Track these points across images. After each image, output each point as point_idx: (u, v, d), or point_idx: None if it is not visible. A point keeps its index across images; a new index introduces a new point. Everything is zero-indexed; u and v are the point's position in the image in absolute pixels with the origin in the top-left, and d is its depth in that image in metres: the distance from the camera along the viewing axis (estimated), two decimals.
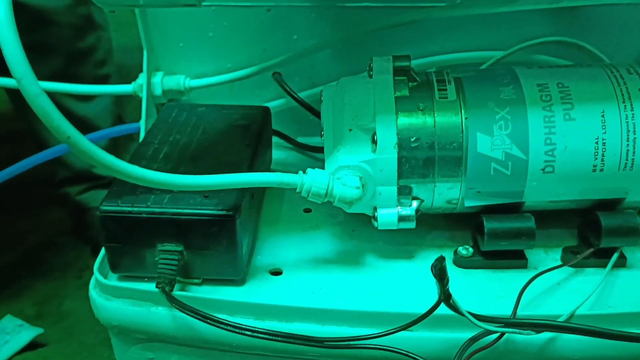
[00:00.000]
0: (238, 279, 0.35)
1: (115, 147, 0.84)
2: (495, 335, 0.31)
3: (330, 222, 0.41)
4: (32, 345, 0.72)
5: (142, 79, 0.46)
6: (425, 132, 0.35)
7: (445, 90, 0.36)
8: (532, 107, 0.35)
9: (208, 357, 0.35)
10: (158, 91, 0.47)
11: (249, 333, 0.32)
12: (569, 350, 0.32)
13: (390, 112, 0.35)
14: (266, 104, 0.49)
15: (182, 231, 0.34)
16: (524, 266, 0.37)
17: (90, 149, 0.27)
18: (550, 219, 0.39)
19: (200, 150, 0.39)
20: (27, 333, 0.72)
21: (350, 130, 0.36)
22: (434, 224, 0.41)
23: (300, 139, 0.50)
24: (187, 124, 0.42)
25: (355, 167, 0.35)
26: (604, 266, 0.36)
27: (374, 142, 0.35)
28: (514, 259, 0.37)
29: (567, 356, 0.33)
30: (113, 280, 0.35)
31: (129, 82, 0.47)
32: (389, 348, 0.31)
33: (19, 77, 0.25)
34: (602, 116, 0.34)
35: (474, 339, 0.30)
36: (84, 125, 0.62)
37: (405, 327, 0.30)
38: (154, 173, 0.30)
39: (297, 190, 0.34)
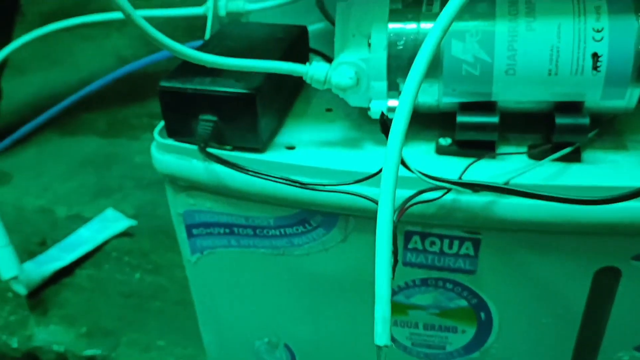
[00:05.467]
0: (259, 148, 0.46)
1: None
2: (441, 192, 0.40)
3: (345, 119, 0.51)
4: (127, 233, 0.88)
5: (210, 2, 0.58)
6: (410, 37, 0.43)
7: (432, 5, 0.44)
8: (500, 19, 0.42)
9: (231, 205, 0.47)
10: (222, 12, 0.58)
11: (259, 175, 0.42)
12: (507, 211, 0.40)
13: (384, 20, 0.44)
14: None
15: (216, 105, 0.45)
16: (492, 157, 0.45)
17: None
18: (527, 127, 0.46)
19: (243, 51, 0.50)
20: (125, 222, 0.88)
21: (353, 35, 0.45)
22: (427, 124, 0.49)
23: None
24: (237, 36, 0.53)
25: (352, 63, 0.44)
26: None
27: (369, 44, 0.44)
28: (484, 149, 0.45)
29: (503, 217, 0.40)
30: (167, 140, 0.47)
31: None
32: (357, 193, 0.40)
33: None
34: (558, 28, 0.41)
35: (421, 192, 0.39)
36: None
37: (362, 180, 0.40)
38: (194, 52, 0.41)
39: (304, 77, 0.44)
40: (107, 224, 0.88)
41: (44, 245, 0.86)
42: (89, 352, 0.70)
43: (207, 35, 0.57)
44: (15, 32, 1.28)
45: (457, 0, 0.35)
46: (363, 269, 0.46)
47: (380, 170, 0.39)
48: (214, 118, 0.45)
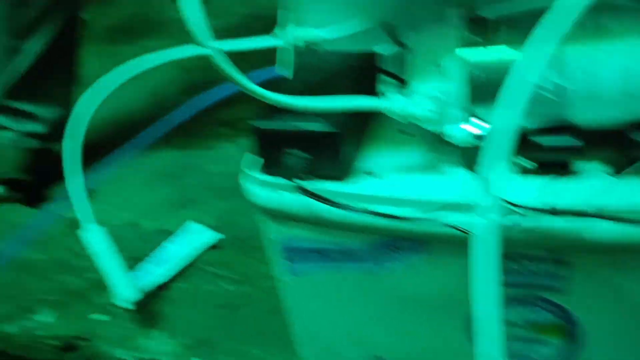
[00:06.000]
0: (341, 177, 0.49)
1: None
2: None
3: (419, 139, 0.53)
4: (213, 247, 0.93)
5: (288, 33, 0.61)
6: (483, 65, 0.45)
7: (498, 30, 0.46)
8: (572, 42, 0.43)
9: (324, 233, 0.50)
10: (300, 43, 0.61)
11: (350, 209, 0.45)
12: (595, 234, 0.42)
13: (456, 49, 0.46)
14: None
15: (304, 141, 0.48)
16: (574, 175, 0.46)
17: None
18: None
19: (321, 86, 0.53)
20: (212, 235, 0.93)
21: (428, 65, 0.47)
22: None
23: None
24: (314, 68, 0.56)
25: (429, 94, 0.47)
26: None
27: (443, 74, 0.46)
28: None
29: (592, 240, 0.42)
30: (261, 175, 0.51)
31: None
32: (446, 224, 0.43)
33: None
34: (631, 48, 0.42)
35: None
36: None
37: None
38: (277, 95, 0.45)
39: (384, 112, 0.47)
40: (193, 237, 0.93)
41: (137, 260, 0.92)
42: None
43: (290, 73, 0.60)
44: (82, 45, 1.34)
45: (543, 32, 0.37)
46: (454, 288, 0.48)
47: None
48: (303, 154, 0.48)
